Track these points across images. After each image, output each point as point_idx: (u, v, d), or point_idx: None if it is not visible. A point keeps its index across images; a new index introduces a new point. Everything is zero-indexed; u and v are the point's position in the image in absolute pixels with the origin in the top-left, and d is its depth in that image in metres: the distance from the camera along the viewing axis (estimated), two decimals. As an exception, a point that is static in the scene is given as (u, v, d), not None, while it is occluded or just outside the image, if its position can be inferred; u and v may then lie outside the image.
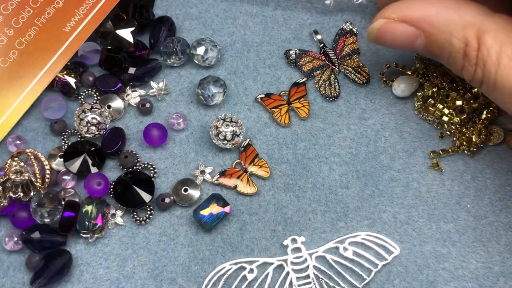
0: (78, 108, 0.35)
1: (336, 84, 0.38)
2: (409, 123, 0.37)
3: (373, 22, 0.32)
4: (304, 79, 0.38)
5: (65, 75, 0.36)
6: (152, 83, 0.37)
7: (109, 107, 0.36)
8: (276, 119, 0.37)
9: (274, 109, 0.37)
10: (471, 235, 0.35)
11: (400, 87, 0.37)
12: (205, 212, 0.34)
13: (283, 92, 0.38)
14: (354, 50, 0.39)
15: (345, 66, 0.38)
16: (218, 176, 0.36)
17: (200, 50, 0.37)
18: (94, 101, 0.37)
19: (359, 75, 0.38)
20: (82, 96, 0.37)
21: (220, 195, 0.35)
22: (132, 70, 0.37)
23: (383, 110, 0.38)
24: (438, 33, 0.30)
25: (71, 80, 0.37)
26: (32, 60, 0.36)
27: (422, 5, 0.30)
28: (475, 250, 0.35)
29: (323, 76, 0.38)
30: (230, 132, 0.35)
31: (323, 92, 0.38)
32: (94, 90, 0.37)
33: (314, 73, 0.38)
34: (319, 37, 0.39)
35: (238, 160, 0.36)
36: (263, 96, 0.38)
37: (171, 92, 0.38)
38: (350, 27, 0.39)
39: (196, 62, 0.38)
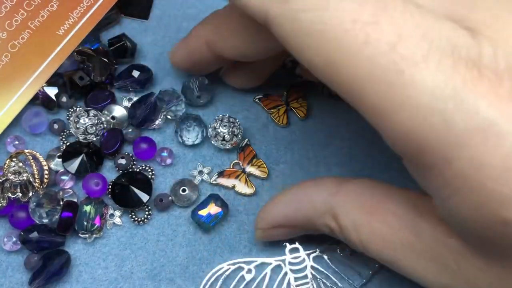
0: (73, 114, 0.35)
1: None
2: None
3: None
4: (303, 79, 0.38)
5: (44, 88, 0.36)
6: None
7: (113, 118, 0.36)
8: (274, 119, 0.37)
9: (272, 110, 0.37)
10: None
11: None
12: (203, 212, 0.34)
13: (282, 93, 0.38)
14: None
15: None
16: (216, 176, 0.36)
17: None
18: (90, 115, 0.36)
19: None
20: (70, 112, 0.37)
21: (218, 195, 0.35)
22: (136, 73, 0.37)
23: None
24: (306, 225, 0.31)
25: (52, 93, 0.36)
26: (25, 63, 0.36)
27: (280, 207, 0.31)
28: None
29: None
30: (229, 133, 0.35)
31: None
32: (83, 107, 0.37)
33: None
34: None
35: (236, 161, 0.36)
36: (261, 96, 0.38)
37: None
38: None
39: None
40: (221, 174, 0.36)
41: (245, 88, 0.37)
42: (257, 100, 0.37)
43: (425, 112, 0.20)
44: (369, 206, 0.27)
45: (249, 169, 0.36)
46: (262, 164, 0.36)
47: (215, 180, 0.36)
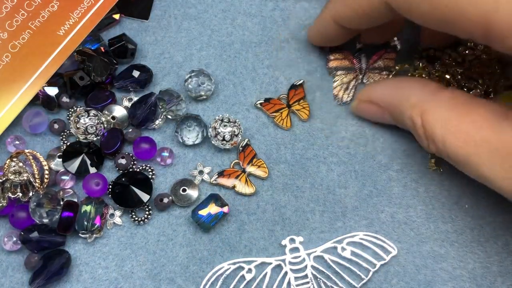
0: (74, 114, 0.35)
1: (352, 91, 0.38)
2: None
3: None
4: (301, 81, 0.38)
5: (44, 88, 0.36)
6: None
7: (113, 118, 0.36)
8: (278, 123, 0.37)
9: (275, 114, 0.37)
10: (469, 235, 0.35)
11: None
12: (203, 212, 0.34)
13: (282, 96, 0.38)
14: (387, 67, 0.39)
15: (369, 78, 0.38)
16: (217, 176, 0.36)
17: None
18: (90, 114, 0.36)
19: None
20: (71, 112, 0.37)
21: (218, 195, 0.35)
22: (136, 74, 0.37)
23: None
24: (394, 112, 0.34)
25: (52, 93, 0.36)
26: (26, 63, 0.36)
27: (381, 87, 0.35)
28: (473, 250, 0.35)
29: (345, 79, 0.38)
30: (229, 133, 0.35)
31: (336, 93, 0.38)
32: (84, 107, 0.37)
33: (337, 72, 0.38)
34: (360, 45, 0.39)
35: (237, 160, 0.36)
36: (262, 101, 0.37)
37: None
38: (396, 43, 0.39)
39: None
40: (221, 174, 0.36)
41: (378, 43, 0.39)
42: (258, 105, 0.37)
43: None
44: (463, 109, 0.30)
45: (249, 169, 0.36)
46: (263, 164, 0.36)
47: (215, 180, 0.36)
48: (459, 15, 0.27)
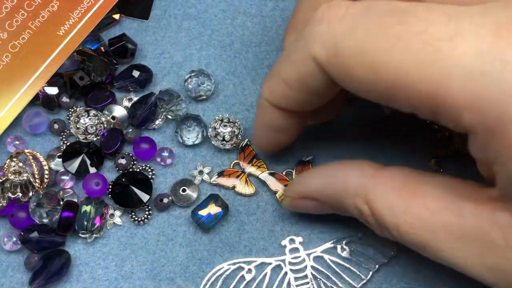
0: (74, 114, 0.35)
1: None
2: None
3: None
4: (310, 157, 0.36)
5: (44, 88, 0.36)
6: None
7: (113, 118, 0.36)
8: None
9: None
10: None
11: None
12: (203, 212, 0.34)
13: (287, 171, 0.36)
14: None
15: None
16: (216, 176, 0.36)
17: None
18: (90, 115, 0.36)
19: None
20: (71, 112, 0.37)
21: (218, 195, 0.35)
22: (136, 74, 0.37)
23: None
24: (334, 203, 0.30)
25: (52, 92, 0.36)
26: (26, 63, 0.36)
27: (313, 179, 0.31)
28: (473, 250, 0.35)
29: None
30: (229, 133, 0.35)
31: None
32: (84, 107, 0.37)
33: None
34: None
35: (236, 161, 0.36)
36: (216, 176, 0.36)
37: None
38: None
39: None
40: (221, 174, 0.36)
41: (319, 123, 0.36)
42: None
43: (474, 77, 0.21)
44: (407, 191, 0.27)
45: (249, 169, 0.36)
46: (262, 164, 0.36)
47: (215, 180, 0.36)
48: (404, 87, 0.23)
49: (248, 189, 0.35)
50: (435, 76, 0.22)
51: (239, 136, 0.36)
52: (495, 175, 0.23)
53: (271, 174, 0.36)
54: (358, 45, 0.24)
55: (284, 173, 0.36)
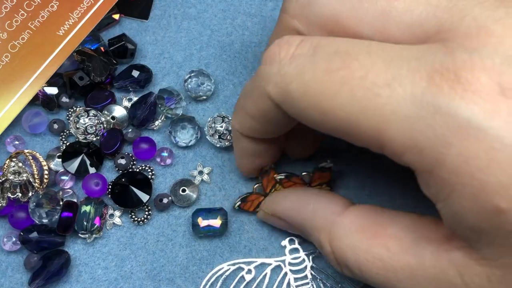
0: (73, 114, 0.35)
1: None
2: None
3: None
4: (331, 164, 0.35)
5: (44, 88, 0.36)
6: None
7: (113, 118, 0.36)
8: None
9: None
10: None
11: None
12: (205, 222, 0.34)
13: (305, 174, 0.36)
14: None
15: None
16: (239, 203, 0.35)
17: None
18: (90, 115, 0.35)
19: None
20: (70, 112, 0.37)
21: (226, 213, 0.34)
22: (136, 74, 0.37)
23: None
24: (300, 230, 0.32)
25: (52, 92, 0.36)
26: (25, 63, 0.36)
27: (285, 202, 0.33)
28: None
29: None
30: (225, 129, 0.35)
31: None
32: (83, 107, 0.36)
33: None
34: None
35: (259, 185, 0.35)
36: (283, 177, 0.34)
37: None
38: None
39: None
40: (244, 200, 0.35)
41: (301, 157, 0.36)
42: (236, 208, 0.35)
43: (410, 122, 0.23)
44: (371, 231, 0.28)
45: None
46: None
47: (238, 207, 0.35)
48: (350, 128, 0.24)
49: None
50: (375, 121, 0.23)
51: None
52: (442, 211, 0.24)
53: (242, 200, 0.35)
54: (306, 88, 0.25)
55: (254, 188, 0.35)
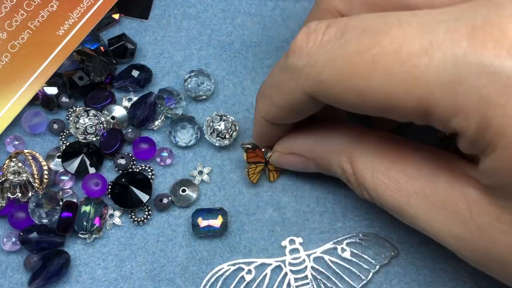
0: (73, 114, 0.35)
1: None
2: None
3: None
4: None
5: (44, 88, 0.36)
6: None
7: (113, 118, 0.36)
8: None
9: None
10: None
11: None
12: (205, 223, 0.34)
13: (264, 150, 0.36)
14: None
15: None
16: (250, 147, 0.35)
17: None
18: (90, 115, 0.35)
19: None
20: (70, 112, 0.37)
21: (227, 213, 0.34)
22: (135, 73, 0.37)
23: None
24: (320, 161, 0.32)
25: (52, 92, 0.36)
26: (25, 63, 0.36)
27: (303, 138, 0.33)
28: (474, 250, 0.35)
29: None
30: (224, 128, 0.35)
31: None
32: (83, 107, 0.36)
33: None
34: None
35: (269, 148, 0.35)
36: (250, 146, 0.35)
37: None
38: None
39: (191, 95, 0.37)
40: (254, 147, 0.35)
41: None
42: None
43: (453, 86, 0.22)
44: (389, 155, 0.28)
45: (270, 167, 0.36)
46: (275, 170, 0.36)
47: (243, 144, 0.34)
48: (391, 105, 0.24)
49: (254, 178, 0.35)
50: (417, 92, 0.23)
51: (234, 134, 0.35)
52: (480, 164, 0.24)
53: (253, 146, 0.35)
54: (339, 74, 0.25)
55: (263, 149, 0.36)
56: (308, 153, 0.33)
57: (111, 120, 0.36)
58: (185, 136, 0.36)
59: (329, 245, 0.34)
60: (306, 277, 0.34)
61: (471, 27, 0.22)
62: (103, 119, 0.35)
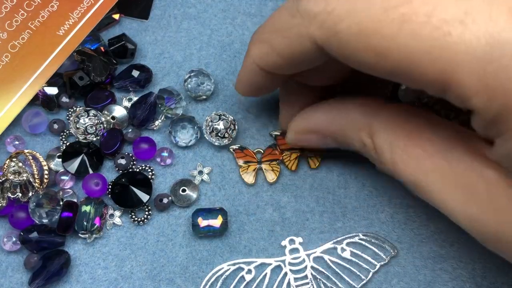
0: (73, 114, 0.35)
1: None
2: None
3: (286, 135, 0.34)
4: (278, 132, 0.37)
5: (44, 88, 0.36)
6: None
7: (113, 118, 0.36)
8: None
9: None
10: (470, 235, 0.35)
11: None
12: (205, 222, 0.34)
13: (257, 150, 0.37)
14: None
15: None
16: (237, 147, 0.35)
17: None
18: (90, 115, 0.35)
19: None
20: (70, 112, 0.37)
21: (227, 213, 0.34)
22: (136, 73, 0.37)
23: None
24: (339, 136, 0.31)
25: (52, 92, 0.36)
26: (25, 63, 0.36)
27: (318, 114, 0.32)
28: (473, 250, 0.35)
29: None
30: (223, 127, 0.35)
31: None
32: (83, 107, 0.36)
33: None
34: None
35: (260, 150, 0.36)
36: (237, 147, 0.36)
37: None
38: None
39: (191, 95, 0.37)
40: (243, 148, 0.36)
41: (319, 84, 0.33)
42: (273, 135, 0.36)
43: (483, 64, 0.21)
44: (408, 130, 0.27)
45: (264, 165, 0.36)
46: (277, 169, 0.36)
47: (232, 148, 0.35)
48: (412, 70, 0.22)
49: (249, 178, 0.35)
50: (444, 62, 0.21)
51: (233, 132, 0.36)
52: (495, 146, 0.24)
53: (241, 148, 0.35)
54: (360, 28, 0.23)
55: (255, 150, 0.36)
56: (326, 129, 0.31)
57: (111, 120, 0.36)
58: (185, 136, 0.36)
59: (329, 245, 0.34)
60: (306, 277, 0.34)
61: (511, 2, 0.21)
62: (103, 119, 0.35)
